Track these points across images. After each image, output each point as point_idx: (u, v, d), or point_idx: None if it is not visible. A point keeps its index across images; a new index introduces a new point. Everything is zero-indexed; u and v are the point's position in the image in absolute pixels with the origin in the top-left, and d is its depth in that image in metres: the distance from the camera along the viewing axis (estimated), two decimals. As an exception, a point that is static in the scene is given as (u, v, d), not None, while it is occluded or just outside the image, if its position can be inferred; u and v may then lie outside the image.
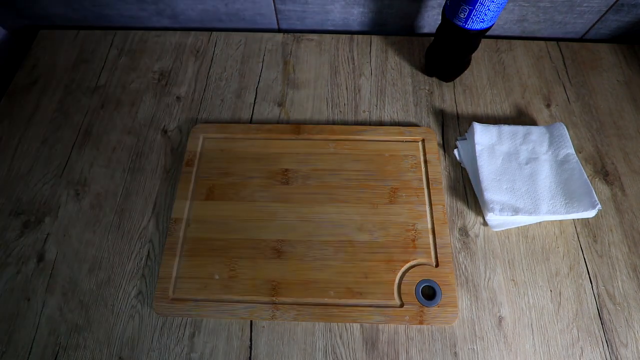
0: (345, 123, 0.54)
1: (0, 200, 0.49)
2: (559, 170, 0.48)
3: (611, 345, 0.41)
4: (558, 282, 0.44)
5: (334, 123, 0.54)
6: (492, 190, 0.46)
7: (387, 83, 0.58)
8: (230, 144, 0.51)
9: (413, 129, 0.52)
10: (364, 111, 0.55)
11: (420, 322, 0.41)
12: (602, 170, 0.51)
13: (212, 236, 0.45)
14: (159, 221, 0.47)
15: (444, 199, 0.48)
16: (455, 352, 0.41)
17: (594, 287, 0.44)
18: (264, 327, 0.42)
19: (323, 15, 0.61)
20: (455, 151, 0.51)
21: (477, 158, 0.48)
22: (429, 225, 0.46)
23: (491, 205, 0.45)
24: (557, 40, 0.61)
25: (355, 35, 0.62)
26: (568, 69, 0.59)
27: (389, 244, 0.45)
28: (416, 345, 0.41)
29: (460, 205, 0.48)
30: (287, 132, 0.52)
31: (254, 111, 0.55)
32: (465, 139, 0.51)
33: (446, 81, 0.57)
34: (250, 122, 0.54)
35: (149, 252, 0.45)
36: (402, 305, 0.41)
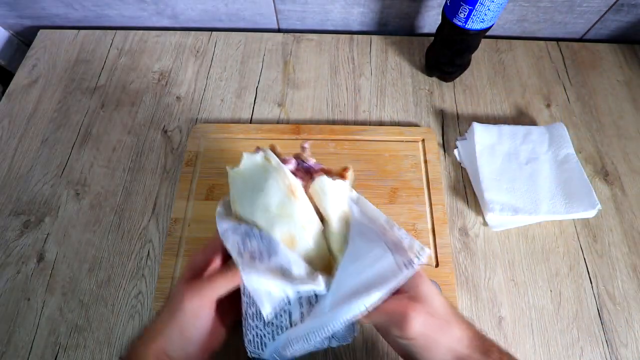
0: (345, 123, 0.54)
1: (0, 200, 0.49)
2: (559, 170, 0.48)
3: (611, 345, 0.41)
4: (558, 282, 0.44)
5: (334, 123, 0.54)
6: (492, 190, 0.46)
7: (387, 83, 0.58)
8: (230, 144, 0.51)
9: (413, 129, 0.52)
10: (364, 111, 0.55)
11: (420, 322, 0.41)
12: (602, 170, 0.51)
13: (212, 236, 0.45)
14: (159, 221, 0.47)
15: (444, 199, 0.48)
16: (455, 352, 0.41)
17: (594, 287, 0.44)
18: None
19: (323, 15, 0.61)
20: (455, 151, 0.51)
21: (477, 158, 0.48)
22: (429, 225, 0.46)
23: (491, 205, 0.45)
24: (557, 40, 0.61)
25: (355, 35, 0.62)
26: (568, 69, 0.59)
27: (389, 244, 0.45)
28: (416, 345, 0.41)
29: (460, 205, 0.48)
30: (287, 132, 0.52)
31: (254, 111, 0.55)
32: (465, 139, 0.51)
33: (446, 81, 0.57)
34: (250, 122, 0.54)
35: (149, 252, 0.45)
36: (402, 305, 0.41)
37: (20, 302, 0.43)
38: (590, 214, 0.45)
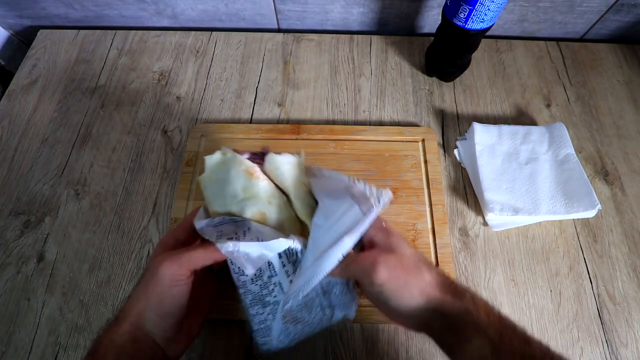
0: (345, 123, 0.54)
1: (0, 200, 0.49)
2: (559, 170, 0.48)
3: (611, 345, 0.41)
4: (558, 282, 0.44)
5: (334, 123, 0.54)
6: (492, 190, 0.46)
7: (387, 83, 0.58)
8: (230, 144, 0.51)
9: (413, 129, 0.52)
10: (364, 111, 0.55)
11: (420, 322, 0.41)
12: (602, 170, 0.51)
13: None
14: (159, 221, 0.47)
15: (444, 199, 0.48)
16: (455, 352, 0.41)
17: (594, 287, 0.44)
18: (264, 327, 0.42)
19: (323, 15, 0.61)
20: (455, 151, 0.51)
21: (477, 158, 0.48)
22: (429, 225, 0.46)
23: (491, 205, 0.45)
24: (557, 40, 0.61)
25: (355, 35, 0.62)
26: (568, 69, 0.59)
27: (389, 244, 0.45)
28: (416, 345, 0.41)
29: (460, 205, 0.48)
30: (287, 132, 0.52)
31: (254, 111, 0.55)
32: (466, 139, 0.51)
33: (446, 81, 0.57)
34: (250, 122, 0.54)
35: (149, 252, 0.45)
36: (402, 305, 0.41)
37: (20, 302, 0.43)
38: (590, 214, 0.45)
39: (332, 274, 0.29)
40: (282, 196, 0.34)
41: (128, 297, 0.30)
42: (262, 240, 0.29)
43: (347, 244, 0.29)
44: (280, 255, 0.31)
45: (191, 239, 0.32)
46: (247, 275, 0.31)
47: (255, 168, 0.34)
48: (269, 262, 0.31)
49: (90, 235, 0.46)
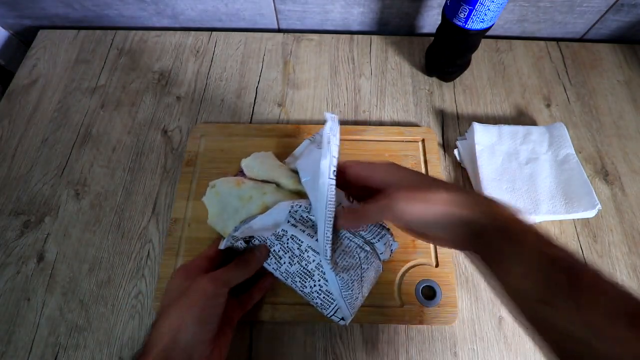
0: (345, 123, 0.54)
1: (0, 200, 0.49)
2: (559, 170, 0.48)
3: (611, 345, 0.41)
4: (558, 282, 0.44)
5: (334, 123, 0.54)
6: (492, 190, 0.46)
7: (387, 83, 0.58)
8: (230, 144, 0.51)
9: (413, 129, 0.52)
10: (364, 111, 0.55)
11: (420, 322, 0.41)
12: (602, 170, 0.51)
13: (212, 236, 0.45)
14: (159, 221, 0.47)
15: (444, 199, 0.48)
16: (455, 352, 0.41)
17: (594, 287, 0.44)
18: (264, 327, 0.42)
19: (323, 15, 0.61)
20: (455, 151, 0.51)
21: (477, 158, 0.48)
22: (429, 225, 0.46)
23: (491, 205, 0.45)
24: (557, 40, 0.61)
25: (355, 35, 0.62)
26: (568, 69, 0.59)
27: (389, 244, 0.45)
28: (416, 345, 0.41)
29: (460, 205, 0.48)
30: (287, 132, 0.52)
31: (254, 111, 0.55)
32: (466, 139, 0.51)
33: (446, 81, 0.57)
34: (250, 122, 0.54)
35: (149, 252, 0.45)
36: (402, 305, 0.41)
37: (20, 302, 0.43)
38: (590, 214, 0.45)
39: (348, 225, 0.33)
40: (270, 185, 0.39)
41: (154, 323, 0.32)
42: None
43: (324, 174, 0.31)
44: (295, 225, 0.35)
45: (211, 267, 0.36)
46: (283, 263, 0.35)
47: (240, 178, 0.40)
48: (292, 236, 0.34)
49: (90, 235, 0.46)
